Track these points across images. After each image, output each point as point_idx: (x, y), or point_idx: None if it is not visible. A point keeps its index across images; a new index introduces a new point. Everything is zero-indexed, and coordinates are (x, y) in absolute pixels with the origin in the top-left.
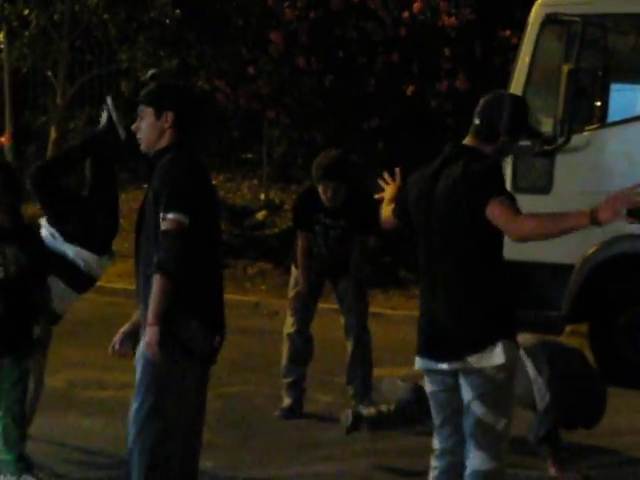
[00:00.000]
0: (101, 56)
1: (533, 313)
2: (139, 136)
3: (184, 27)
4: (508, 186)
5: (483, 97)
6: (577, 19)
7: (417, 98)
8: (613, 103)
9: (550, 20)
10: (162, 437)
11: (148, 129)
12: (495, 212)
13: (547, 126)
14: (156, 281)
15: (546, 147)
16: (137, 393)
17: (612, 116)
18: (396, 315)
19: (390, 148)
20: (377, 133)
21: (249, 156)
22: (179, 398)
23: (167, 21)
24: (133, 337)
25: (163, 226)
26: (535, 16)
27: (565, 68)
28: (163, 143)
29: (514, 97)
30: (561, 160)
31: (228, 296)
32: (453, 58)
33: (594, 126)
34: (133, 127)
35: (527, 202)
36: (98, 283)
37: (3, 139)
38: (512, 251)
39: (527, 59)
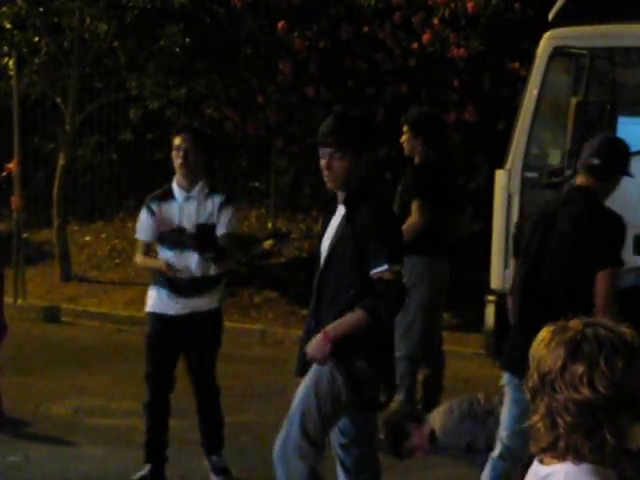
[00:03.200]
0: (110, 84)
1: None
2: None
3: (193, 56)
4: (515, 218)
5: (595, 138)
6: (585, 52)
7: None
8: (621, 136)
9: (558, 53)
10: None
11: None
12: (599, 284)
13: (555, 158)
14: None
15: (554, 179)
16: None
17: None
18: None
19: (398, 178)
20: (385, 163)
21: (256, 185)
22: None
23: (176, 50)
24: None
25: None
26: (543, 49)
27: (573, 101)
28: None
29: (621, 139)
30: None
31: (234, 324)
32: (461, 89)
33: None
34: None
35: None
36: (101, 310)
37: (11, 165)
38: None
39: (535, 91)
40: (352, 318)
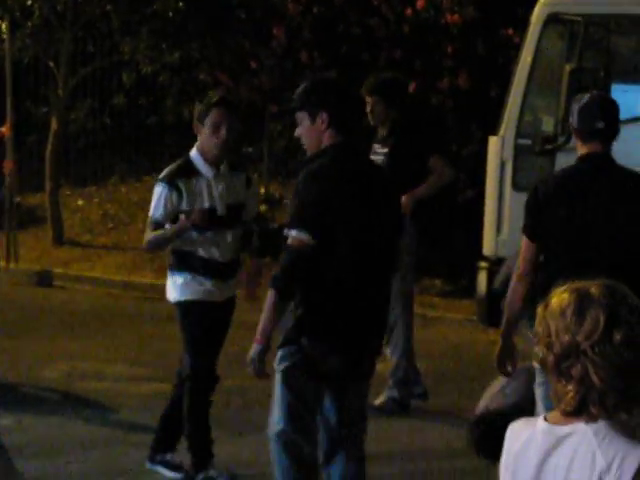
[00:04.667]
0: (103, 48)
1: (530, 311)
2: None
3: (187, 20)
4: (508, 184)
5: (591, 100)
6: (579, 19)
7: (419, 95)
8: None
9: (552, 19)
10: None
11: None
12: None
13: (548, 125)
14: (268, 297)
15: (547, 146)
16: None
17: None
18: None
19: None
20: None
21: (250, 150)
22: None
23: (170, 14)
24: None
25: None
26: (537, 15)
27: (567, 67)
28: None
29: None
30: (561, 159)
31: None
32: (455, 56)
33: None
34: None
35: None
36: (93, 274)
37: (4, 129)
38: (511, 250)
39: (529, 58)
40: (267, 302)
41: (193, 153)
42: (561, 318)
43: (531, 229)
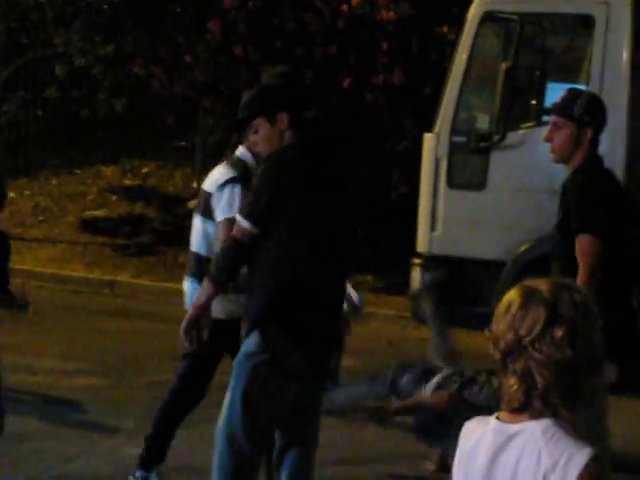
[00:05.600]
0: (37, 39)
1: (467, 308)
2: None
3: (121, 13)
4: (443, 181)
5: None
6: (515, 17)
7: (353, 91)
8: (549, 102)
9: (488, 18)
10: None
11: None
12: None
13: (483, 123)
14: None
15: (481, 144)
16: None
17: (547, 115)
18: None
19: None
20: (312, 125)
21: (183, 144)
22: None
23: (104, 6)
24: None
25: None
26: (473, 13)
27: (502, 66)
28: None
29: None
30: (496, 157)
31: (160, 284)
32: (390, 52)
33: (529, 124)
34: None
35: (461, 198)
36: (24, 267)
37: None
38: (445, 246)
39: (464, 56)
40: (202, 291)
41: (242, 152)
42: (506, 314)
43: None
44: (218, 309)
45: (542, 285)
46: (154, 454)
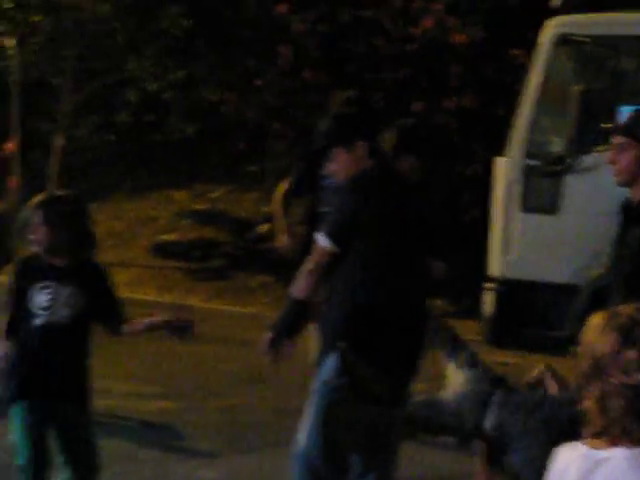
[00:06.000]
0: (109, 65)
1: (539, 332)
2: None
3: (193, 38)
4: (516, 205)
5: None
6: (588, 40)
7: (425, 115)
8: None
9: (562, 41)
10: None
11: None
12: None
13: (556, 146)
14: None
15: (555, 167)
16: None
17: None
18: None
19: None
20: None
21: (253, 169)
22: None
23: (177, 32)
24: None
25: None
26: (546, 36)
27: (575, 89)
28: None
29: None
30: (569, 180)
31: (229, 308)
32: (462, 76)
33: (603, 147)
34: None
35: (535, 222)
36: None
37: (10, 145)
38: (519, 270)
39: (538, 79)
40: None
41: None
42: (588, 338)
43: None
44: None
45: (624, 309)
46: None
